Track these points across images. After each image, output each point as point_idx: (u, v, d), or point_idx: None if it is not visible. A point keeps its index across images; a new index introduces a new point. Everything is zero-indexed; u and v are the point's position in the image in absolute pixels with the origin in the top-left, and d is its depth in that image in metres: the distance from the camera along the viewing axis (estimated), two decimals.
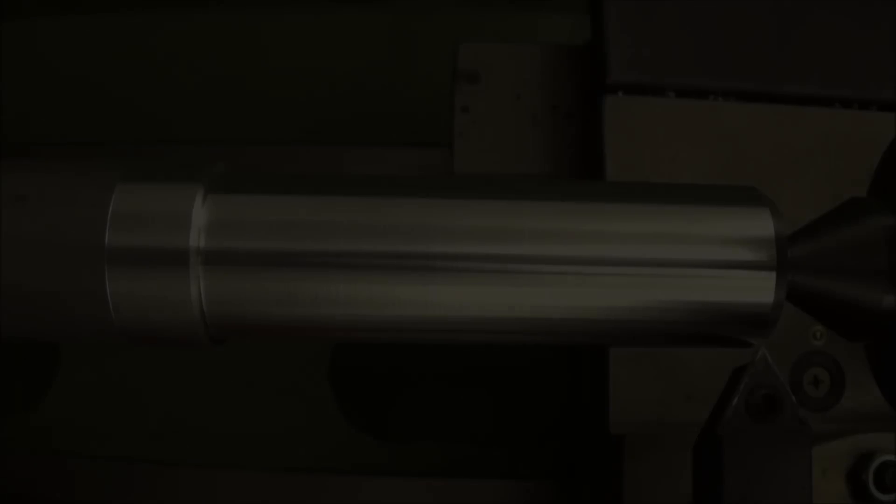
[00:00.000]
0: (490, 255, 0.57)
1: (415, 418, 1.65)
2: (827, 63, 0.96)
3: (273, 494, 1.40)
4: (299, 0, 1.83)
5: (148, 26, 1.82)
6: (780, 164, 0.95)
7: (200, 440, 1.62)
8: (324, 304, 0.57)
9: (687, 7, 0.97)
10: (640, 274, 0.58)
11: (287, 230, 0.56)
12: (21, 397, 1.65)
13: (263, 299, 0.57)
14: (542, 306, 0.58)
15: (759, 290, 0.58)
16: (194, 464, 1.44)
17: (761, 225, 0.58)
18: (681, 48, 0.96)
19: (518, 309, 0.58)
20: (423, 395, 1.66)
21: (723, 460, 0.61)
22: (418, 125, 1.44)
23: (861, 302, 0.58)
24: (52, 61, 1.82)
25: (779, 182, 0.93)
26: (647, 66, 0.95)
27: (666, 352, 0.90)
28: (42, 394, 1.63)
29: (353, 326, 0.58)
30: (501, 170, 1.02)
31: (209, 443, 1.63)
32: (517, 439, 1.57)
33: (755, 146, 0.95)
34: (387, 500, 1.38)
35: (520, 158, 1.03)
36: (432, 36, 1.46)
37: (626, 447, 0.90)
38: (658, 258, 0.58)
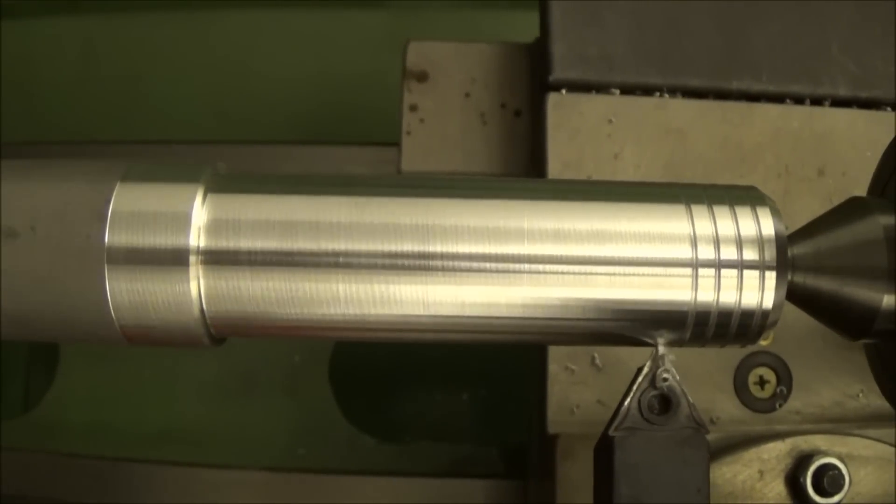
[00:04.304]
0: (489, 255, 0.58)
1: (415, 418, 1.67)
2: (778, 59, 0.96)
3: (273, 494, 1.41)
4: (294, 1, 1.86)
5: (145, 27, 1.85)
6: (728, 160, 0.96)
7: (200, 440, 1.65)
8: (323, 303, 0.58)
9: (633, 4, 0.98)
10: (637, 273, 0.58)
11: (286, 230, 0.57)
12: (21, 397, 1.69)
13: (263, 298, 0.57)
14: (541, 305, 0.59)
15: (760, 290, 0.58)
16: (194, 464, 1.46)
17: (761, 224, 0.58)
18: (626, 45, 0.97)
19: (519, 309, 0.59)
20: (423, 395, 1.67)
21: (614, 462, 0.62)
22: None
23: (861, 302, 0.58)
24: (52, 61, 1.85)
25: (727, 179, 0.93)
26: (592, 64, 0.96)
27: (605, 350, 0.91)
28: (42, 394, 1.66)
29: (353, 326, 0.59)
30: (449, 168, 1.03)
31: (209, 443, 1.65)
32: (516, 440, 1.58)
33: (703, 143, 0.96)
34: (387, 500, 1.39)
35: (468, 156, 1.05)
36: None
37: (558, 446, 0.90)
38: (658, 258, 0.58)
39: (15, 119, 1.73)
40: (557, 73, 0.95)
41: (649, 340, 0.62)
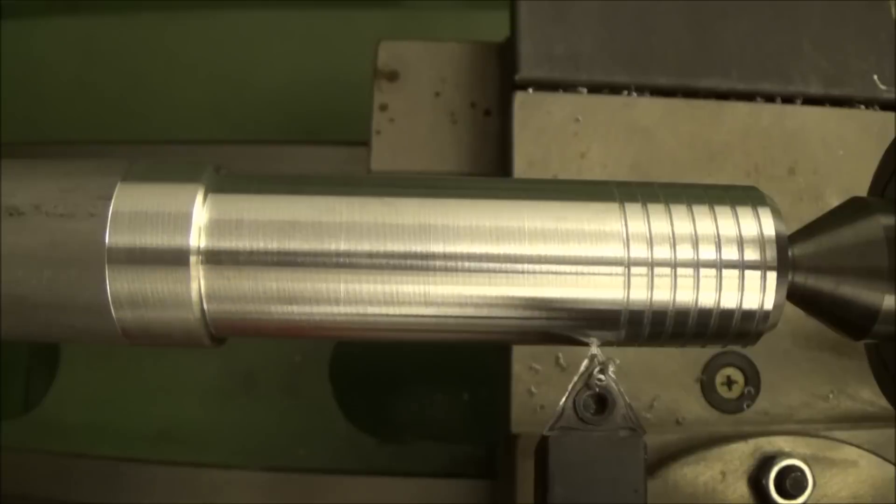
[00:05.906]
0: (488, 255, 0.58)
1: (415, 418, 1.67)
2: (749, 57, 0.96)
3: (273, 494, 1.42)
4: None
5: (145, 27, 1.86)
6: (697, 159, 0.96)
7: (200, 440, 1.66)
8: (323, 303, 0.58)
9: (601, 3, 0.98)
10: (637, 274, 0.58)
11: (287, 230, 0.57)
12: (21, 397, 1.70)
13: (263, 298, 0.58)
14: (535, 304, 0.59)
15: (760, 290, 0.58)
16: (194, 464, 1.47)
17: (762, 224, 0.58)
18: (594, 44, 0.97)
19: (516, 307, 0.59)
20: (422, 396, 1.68)
21: (548, 462, 0.62)
22: None
23: (861, 302, 0.58)
24: (52, 61, 1.87)
25: (694, 178, 0.93)
26: (559, 63, 0.96)
27: (569, 350, 0.90)
28: (42, 394, 1.68)
29: (353, 325, 0.60)
30: (418, 167, 1.04)
31: (209, 443, 1.66)
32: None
33: (670, 141, 0.96)
34: (386, 500, 1.40)
35: (438, 156, 1.05)
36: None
37: (518, 446, 0.91)
38: (658, 258, 0.58)
39: (15, 119, 1.74)
40: (524, 71, 0.96)
41: (584, 340, 0.62)
